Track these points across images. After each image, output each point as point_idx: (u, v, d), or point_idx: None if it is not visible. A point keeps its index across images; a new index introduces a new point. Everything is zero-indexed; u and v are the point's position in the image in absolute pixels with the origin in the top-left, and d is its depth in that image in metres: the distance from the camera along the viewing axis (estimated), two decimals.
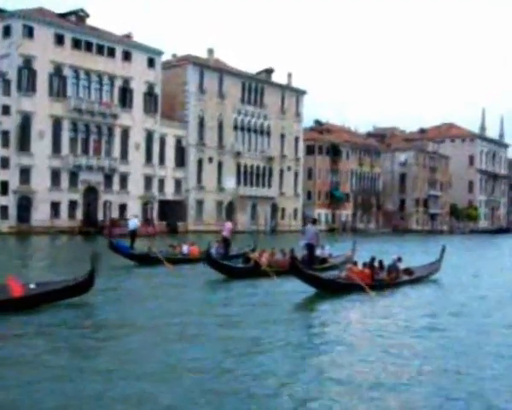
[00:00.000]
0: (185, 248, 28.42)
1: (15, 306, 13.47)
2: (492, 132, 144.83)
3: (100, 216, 64.53)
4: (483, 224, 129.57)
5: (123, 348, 10.67)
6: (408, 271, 21.49)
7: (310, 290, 17.61)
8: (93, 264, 14.83)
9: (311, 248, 21.84)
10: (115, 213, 65.19)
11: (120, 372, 8.95)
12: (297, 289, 17.81)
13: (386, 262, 20.49)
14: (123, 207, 66.58)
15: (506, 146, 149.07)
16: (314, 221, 25.07)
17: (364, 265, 19.45)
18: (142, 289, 19.04)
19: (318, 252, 24.22)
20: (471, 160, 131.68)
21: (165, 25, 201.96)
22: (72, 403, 7.68)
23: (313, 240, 21.93)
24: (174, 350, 10.44)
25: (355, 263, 19.73)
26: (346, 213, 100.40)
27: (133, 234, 31.04)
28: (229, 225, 28.35)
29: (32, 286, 14.37)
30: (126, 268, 24.43)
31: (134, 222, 32.66)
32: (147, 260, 25.81)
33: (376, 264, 20.13)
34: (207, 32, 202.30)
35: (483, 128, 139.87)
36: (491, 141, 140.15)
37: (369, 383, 8.70)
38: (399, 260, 21.36)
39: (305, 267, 18.53)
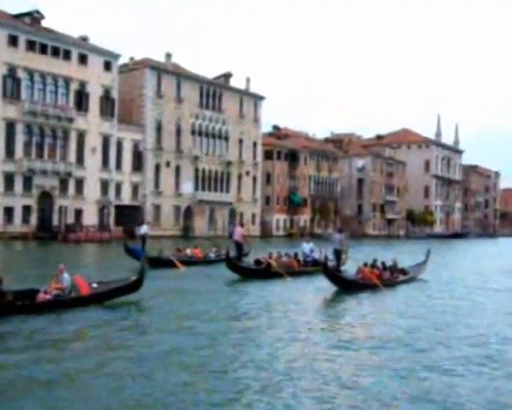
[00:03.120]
0: (188, 251, 31.61)
1: (84, 302, 15.30)
2: (447, 139, 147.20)
3: (55, 221, 63.25)
4: (438, 228, 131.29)
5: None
6: (403, 271, 24.79)
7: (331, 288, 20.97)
8: (143, 265, 17.06)
9: (338, 253, 24.79)
10: (71, 219, 64.06)
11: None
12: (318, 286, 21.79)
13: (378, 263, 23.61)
14: (78, 213, 65.37)
15: (460, 152, 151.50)
16: (340, 230, 28.69)
17: (365, 265, 22.55)
18: (174, 289, 20.63)
19: (316, 255, 28.11)
20: (427, 165, 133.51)
21: (122, 28, 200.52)
22: None
23: (340, 246, 25.03)
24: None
25: (365, 265, 22.69)
26: (304, 218, 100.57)
27: (144, 239, 34.01)
28: (239, 229, 29.98)
29: (94, 285, 16.26)
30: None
31: (144, 228, 35.80)
32: (158, 262, 27.78)
33: (380, 265, 23.39)
34: (165, 36, 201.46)
35: (438, 134, 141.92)
36: (446, 147, 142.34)
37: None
38: (395, 262, 24.74)
39: (334, 270, 22.23)
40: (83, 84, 66.55)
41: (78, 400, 8.25)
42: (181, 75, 79.03)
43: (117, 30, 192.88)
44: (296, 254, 27.67)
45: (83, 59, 66.63)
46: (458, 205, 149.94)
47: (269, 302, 18.25)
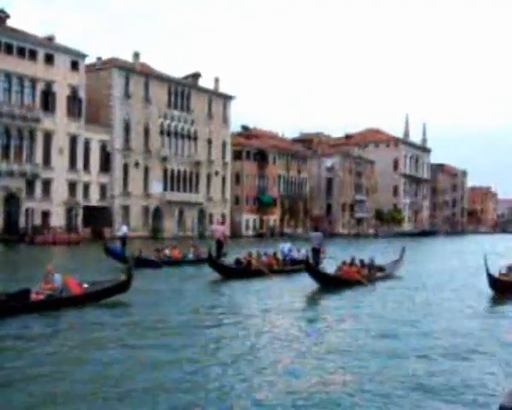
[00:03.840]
0: (167, 252, 31.95)
1: (76, 302, 15.76)
2: (415, 138, 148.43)
3: (22, 223, 62.38)
4: (407, 227, 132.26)
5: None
6: (380, 268, 25.62)
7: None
8: (130, 266, 17.58)
9: (316, 251, 25.19)
10: (38, 221, 63.29)
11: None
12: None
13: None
14: (46, 214, 64.57)
15: (428, 151, 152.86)
16: (316, 228, 30.83)
17: (344, 263, 23.54)
18: (159, 289, 21.10)
19: (295, 254, 29.07)
20: (395, 164, 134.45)
21: (89, 27, 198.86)
22: None
23: (319, 245, 25.54)
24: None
25: (344, 262, 23.69)
26: (273, 218, 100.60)
27: (124, 240, 33.75)
28: (219, 227, 31.16)
29: (85, 285, 16.74)
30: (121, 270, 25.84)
31: (124, 229, 35.75)
32: (138, 263, 26.89)
33: (358, 262, 24.28)
34: (133, 36, 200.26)
35: (407, 134, 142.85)
36: (414, 146, 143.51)
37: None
38: (372, 260, 25.55)
39: (316, 267, 22.96)
40: (49, 85, 65.73)
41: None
42: (149, 75, 78.56)
43: (84, 29, 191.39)
44: (275, 254, 28.52)
45: (49, 59, 65.79)
46: (426, 203, 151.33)
47: (253, 299, 19.08)
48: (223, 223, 32.56)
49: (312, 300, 20.07)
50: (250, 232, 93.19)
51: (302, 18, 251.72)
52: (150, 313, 15.61)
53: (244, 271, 25.38)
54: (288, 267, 27.68)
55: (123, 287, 17.10)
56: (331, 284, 21.74)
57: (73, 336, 12.61)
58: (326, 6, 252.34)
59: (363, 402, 8.38)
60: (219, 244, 28.59)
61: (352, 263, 23.95)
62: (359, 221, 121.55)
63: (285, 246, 29.96)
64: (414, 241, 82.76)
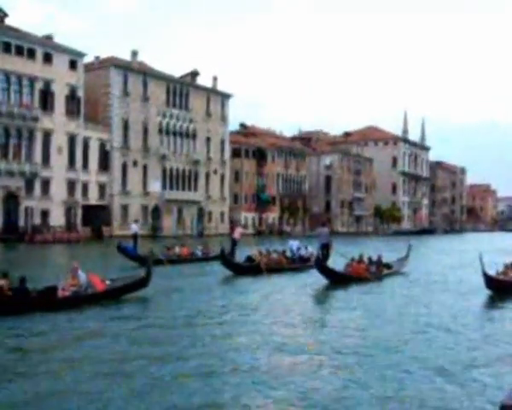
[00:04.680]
0: (177, 250, 32.62)
1: (99, 298, 16.43)
2: (414, 135, 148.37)
3: (21, 223, 62.43)
4: (406, 225, 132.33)
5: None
6: (388, 265, 26.13)
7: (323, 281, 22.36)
8: (149, 263, 18.34)
9: (325, 247, 25.48)
10: (37, 220, 63.33)
11: None
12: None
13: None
14: (45, 213, 64.60)
15: (427, 149, 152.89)
16: (323, 224, 30.36)
17: (352, 260, 24.16)
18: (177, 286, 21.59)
19: (303, 252, 29.75)
20: (394, 162, 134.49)
21: (87, 26, 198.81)
22: None
23: (327, 240, 25.80)
24: None
25: (352, 259, 24.28)
26: (272, 215, 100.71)
27: (135, 237, 34.37)
28: (240, 229, 32.42)
29: (108, 282, 17.43)
30: (133, 268, 26.55)
31: (134, 227, 36.50)
32: (143, 260, 27.39)
33: (366, 260, 24.89)
34: (131, 35, 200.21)
35: (405, 131, 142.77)
36: (412, 144, 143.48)
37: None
38: (380, 257, 25.88)
39: (325, 264, 23.15)
40: (48, 84, 65.76)
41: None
42: (147, 74, 78.58)
43: (82, 29, 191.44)
44: (284, 252, 29.25)
45: (47, 58, 65.81)
46: (425, 201, 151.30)
47: (264, 296, 19.51)
48: (241, 225, 35.62)
49: (321, 296, 20.57)
50: (249, 230, 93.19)
51: (300, 16, 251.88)
52: (168, 309, 16.17)
53: (255, 268, 25.83)
54: (297, 265, 28.27)
55: (142, 283, 17.93)
56: (340, 281, 22.24)
57: (102, 332, 13.12)
58: (325, 4, 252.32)
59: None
60: (234, 243, 29.44)
61: (360, 260, 24.56)
62: (358, 219, 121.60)
63: (293, 244, 30.79)
64: (413, 239, 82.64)
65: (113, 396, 8.49)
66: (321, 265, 22.38)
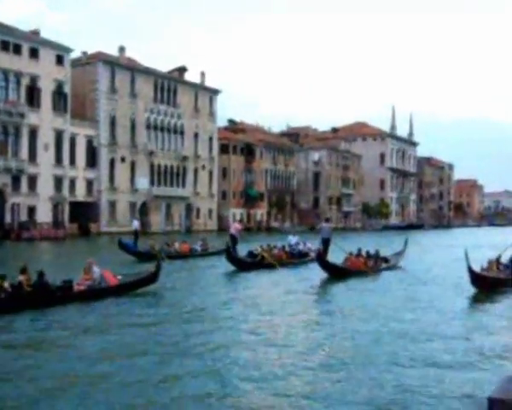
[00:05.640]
0: (177, 246, 33.29)
1: (112, 292, 17.18)
2: (402, 131, 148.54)
3: (8, 219, 61.92)
4: (394, 220, 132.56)
5: None
6: (385, 259, 26.90)
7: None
8: (158, 259, 19.24)
9: (326, 241, 26.48)
10: (24, 216, 62.86)
11: None
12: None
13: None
14: (32, 210, 64.10)
15: (415, 144, 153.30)
16: (327, 219, 31.70)
17: (351, 254, 24.91)
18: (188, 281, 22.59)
19: (301, 247, 30.85)
20: (382, 158, 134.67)
21: (74, 21, 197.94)
22: None
23: (328, 235, 26.76)
24: None
25: (351, 254, 25.10)
26: (260, 212, 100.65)
27: (136, 233, 35.63)
28: (236, 224, 32.84)
29: (119, 277, 18.19)
30: (134, 264, 27.86)
31: (136, 223, 38.03)
32: (148, 256, 28.92)
33: (364, 254, 25.64)
34: (118, 30, 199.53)
35: (393, 127, 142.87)
36: (400, 139, 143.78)
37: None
38: (377, 251, 26.78)
39: (326, 258, 23.85)
40: (34, 79, 65.23)
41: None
42: (135, 69, 78.23)
43: (69, 24, 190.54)
44: (284, 247, 30.08)
45: (34, 53, 65.26)
46: (413, 197, 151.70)
47: (268, 289, 20.44)
48: (240, 221, 37.11)
49: (322, 289, 21.25)
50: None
51: (288, 12, 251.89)
52: (178, 303, 16.96)
53: (258, 263, 26.62)
54: (296, 260, 29.13)
55: (152, 278, 18.70)
56: (339, 274, 22.97)
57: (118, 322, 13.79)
58: (312, 3, 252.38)
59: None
60: (233, 239, 29.85)
61: (358, 254, 25.40)
62: (346, 215, 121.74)
63: (292, 239, 31.98)
64: (401, 234, 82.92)
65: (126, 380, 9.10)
66: (322, 259, 23.09)
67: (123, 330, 12.90)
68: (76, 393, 8.52)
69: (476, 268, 19.49)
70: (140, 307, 16.10)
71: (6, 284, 14.99)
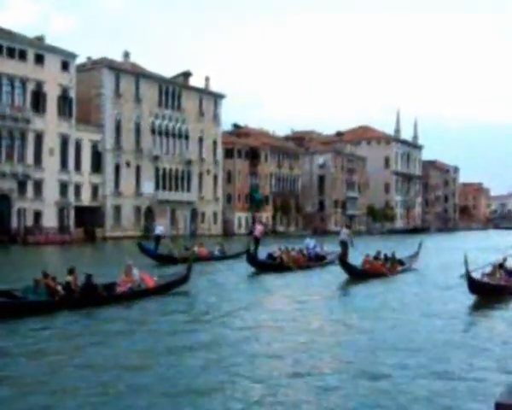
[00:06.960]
0: (195, 249, 33.08)
1: (150, 293, 18.42)
2: (407, 134, 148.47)
3: (14, 224, 62.16)
4: (399, 223, 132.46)
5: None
6: (401, 262, 27.68)
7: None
8: (190, 262, 20.22)
9: (344, 244, 28.15)
10: (30, 221, 63.13)
11: None
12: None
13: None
14: (38, 215, 64.39)
15: (420, 147, 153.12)
16: (348, 226, 34.05)
17: (367, 256, 25.60)
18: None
19: (318, 250, 32.06)
20: (387, 161, 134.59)
21: (79, 27, 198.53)
22: None
23: (345, 238, 28.37)
24: None
25: (367, 256, 25.75)
26: (266, 215, 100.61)
27: (158, 238, 36.22)
28: (260, 227, 33.41)
29: (155, 279, 19.45)
30: (157, 267, 28.70)
31: (160, 228, 38.72)
32: (169, 260, 30.77)
33: (381, 257, 26.58)
34: (123, 35, 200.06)
35: (398, 130, 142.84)
36: (405, 143, 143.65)
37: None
38: (394, 254, 27.50)
39: (347, 260, 25.41)
40: (40, 85, 65.57)
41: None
42: (139, 74, 78.49)
43: (74, 29, 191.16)
44: (301, 250, 30.99)
45: (39, 59, 65.62)
46: (419, 200, 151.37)
47: (289, 290, 21.08)
48: (262, 224, 37.76)
49: (344, 290, 22.10)
50: (242, 230, 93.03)
51: (292, 16, 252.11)
52: (213, 304, 17.87)
53: (276, 266, 27.39)
54: (313, 263, 29.96)
55: (184, 280, 20.01)
56: (359, 277, 23.88)
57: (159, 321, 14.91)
58: (317, 5, 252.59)
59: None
60: (257, 241, 30.62)
61: (376, 257, 26.38)
62: (351, 218, 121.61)
63: (310, 242, 32.95)
64: (406, 238, 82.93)
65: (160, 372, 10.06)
66: (343, 261, 24.61)
67: (174, 327, 13.95)
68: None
69: (478, 274, 18.90)
70: (178, 304, 17.61)
71: (59, 287, 15.87)
